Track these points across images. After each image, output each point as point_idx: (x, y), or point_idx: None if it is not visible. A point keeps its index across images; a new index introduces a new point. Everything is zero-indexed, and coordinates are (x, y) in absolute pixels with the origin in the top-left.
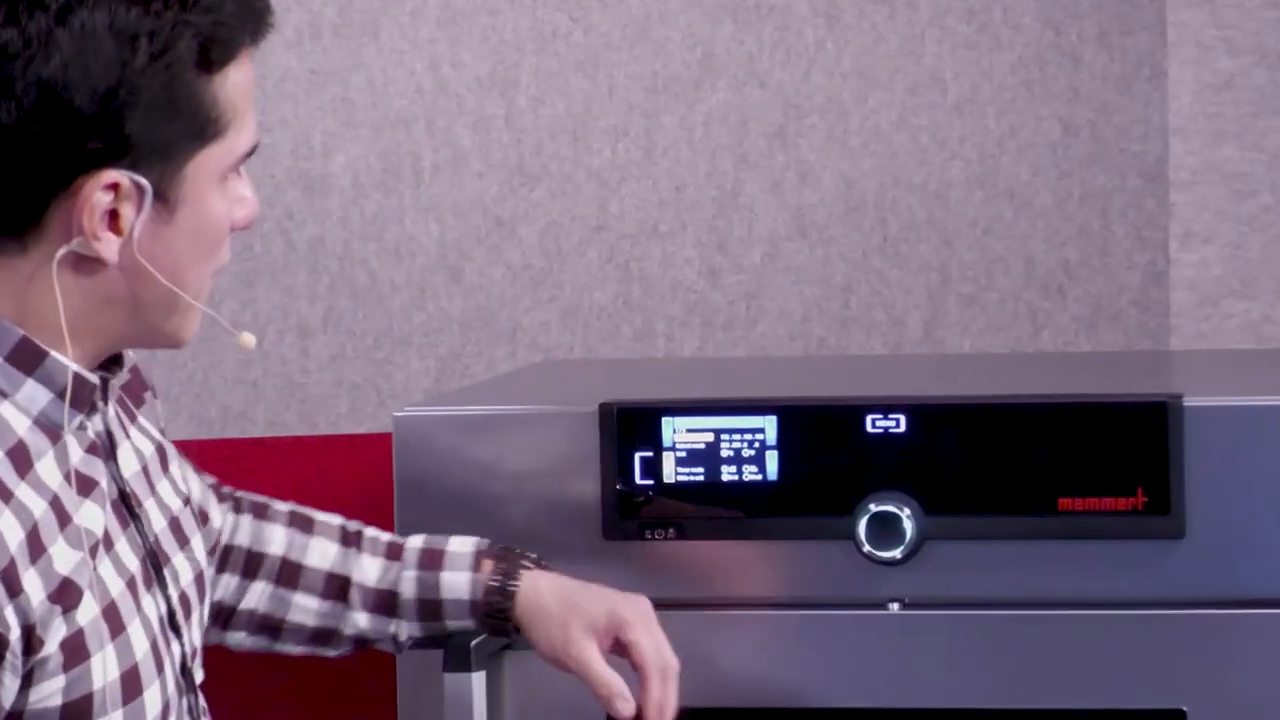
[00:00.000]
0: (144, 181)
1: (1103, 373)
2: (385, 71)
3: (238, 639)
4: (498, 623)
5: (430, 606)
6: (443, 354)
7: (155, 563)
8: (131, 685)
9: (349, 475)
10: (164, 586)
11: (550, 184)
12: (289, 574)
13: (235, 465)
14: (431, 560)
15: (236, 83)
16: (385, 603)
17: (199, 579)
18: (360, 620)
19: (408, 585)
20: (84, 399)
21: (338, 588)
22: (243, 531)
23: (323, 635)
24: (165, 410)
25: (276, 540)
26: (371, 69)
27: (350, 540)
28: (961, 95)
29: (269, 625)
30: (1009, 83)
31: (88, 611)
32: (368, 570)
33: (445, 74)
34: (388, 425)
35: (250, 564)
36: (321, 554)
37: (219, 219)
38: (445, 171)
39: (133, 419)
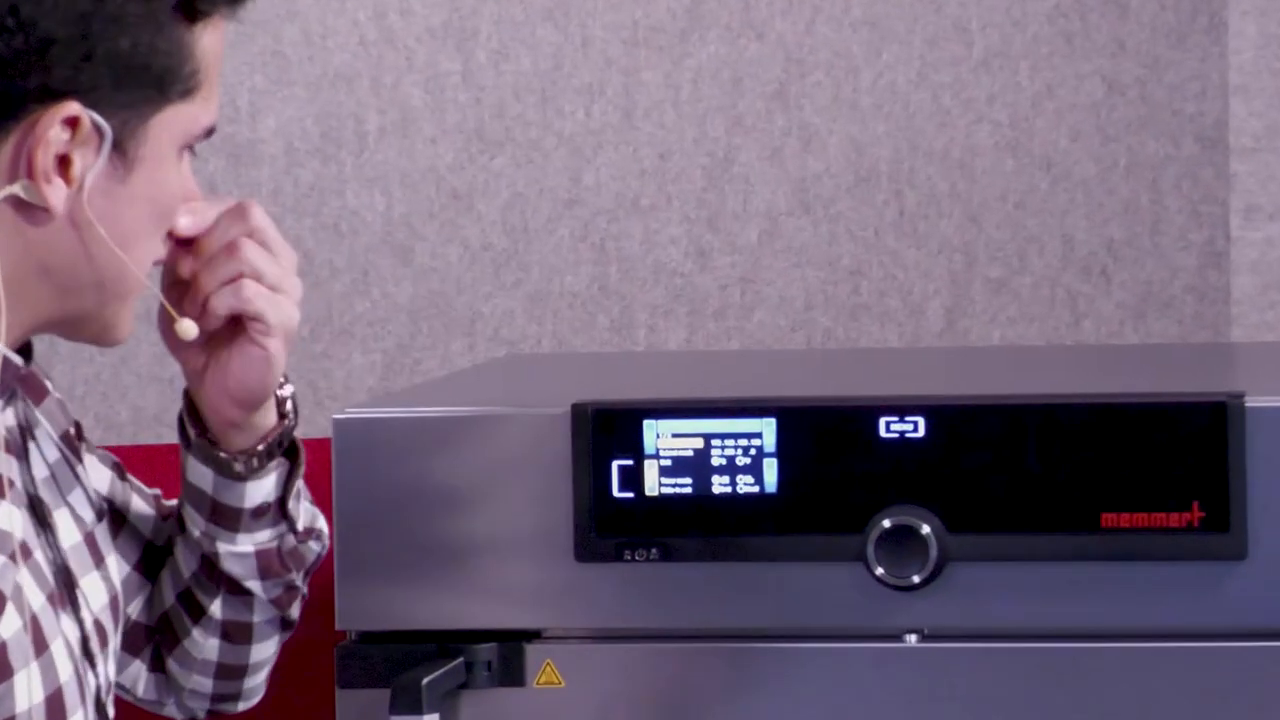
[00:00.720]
0: (104, 125)
1: (1153, 368)
2: (323, 21)
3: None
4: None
5: (182, 475)
6: (389, 347)
7: (68, 581)
8: (56, 711)
9: None
10: (76, 609)
11: (514, 151)
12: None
13: (149, 476)
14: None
15: (211, 46)
16: (179, 516)
17: (114, 604)
18: (181, 554)
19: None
20: (6, 385)
21: (169, 545)
22: None
23: (186, 600)
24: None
25: None
26: (307, 18)
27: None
28: (989, 49)
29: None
30: (1045, 34)
31: (11, 623)
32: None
33: (393, 24)
34: (326, 429)
35: None
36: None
37: (174, 193)
38: (393, 137)
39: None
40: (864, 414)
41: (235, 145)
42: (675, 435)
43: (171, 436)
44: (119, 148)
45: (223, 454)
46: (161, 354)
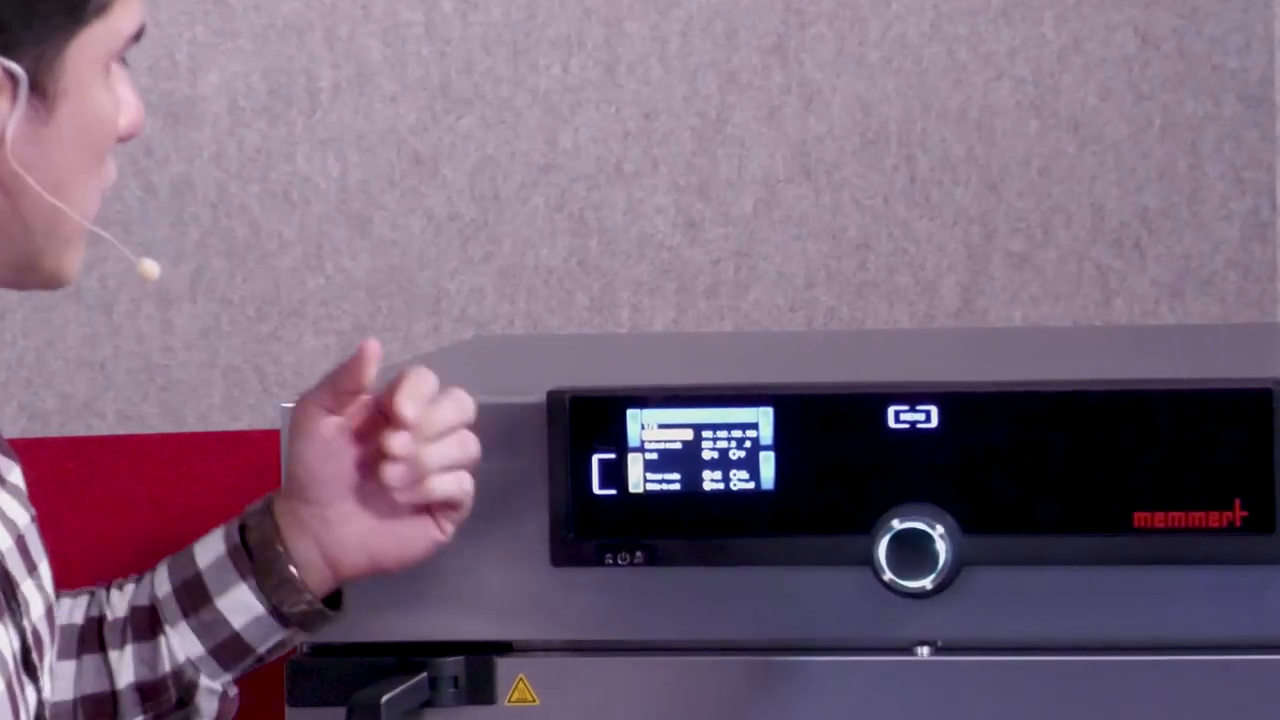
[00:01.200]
0: (18, 70)
1: (1191, 351)
2: None
3: None
4: (269, 546)
5: (191, 587)
6: (345, 328)
7: (5, 586)
8: None
9: (223, 484)
10: (15, 617)
11: (483, 110)
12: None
13: (77, 472)
14: (180, 553)
15: None
16: (145, 619)
17: (49, 614)
18: (127, 661)
19: (163, 582)
20: None
21: (91, 636)
22: None
23: (97, 705)
24: None
25: None
26: None
27: (98, 588)
28: None
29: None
30: None
31: None
32: (116, 602)
33: None
34: (274, 420)
35: None
36: (70, 608)
37: (106, 117)
38: (348, 94)
39: None
40: (871, 402)
41: (173, 104)
42: (662, 426)
43: (103, 427)
44: (37, 89)
45: (315, 601)
46: (91, 336)
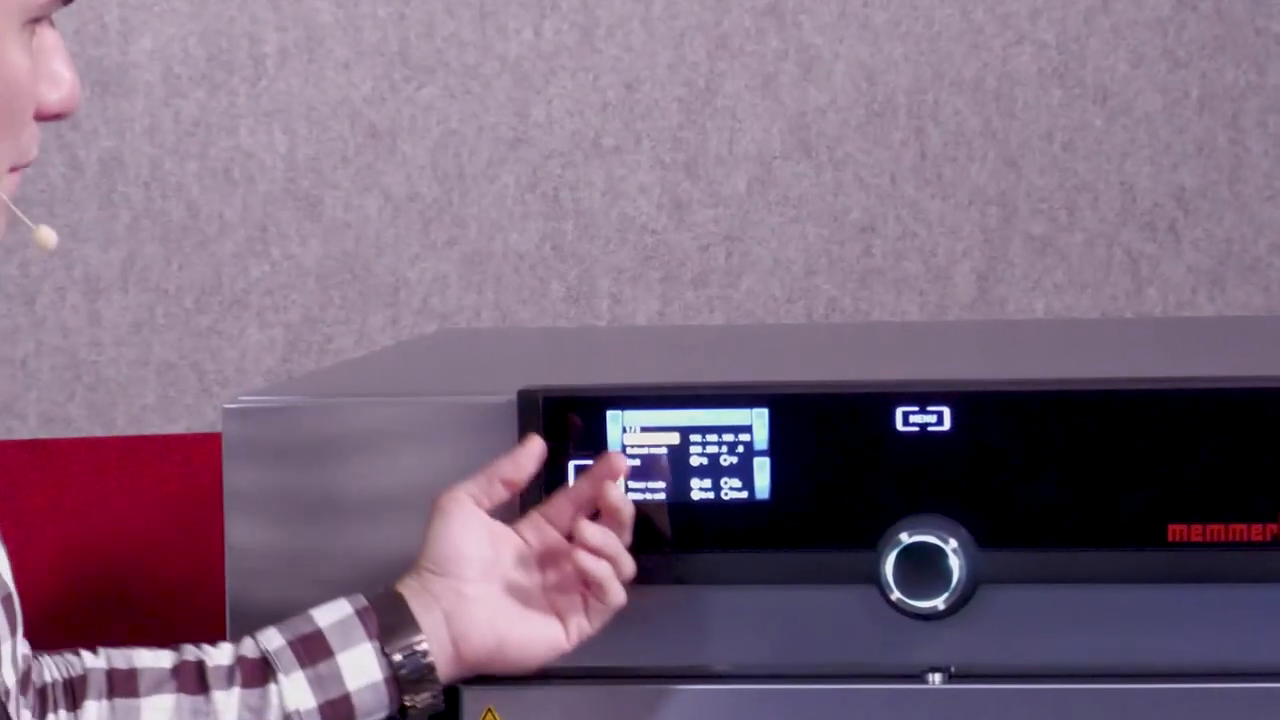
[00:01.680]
0: None
1: (1232, 346)
2: None
3: None
4: (395, 615)
5: (310, 642)
6: (293, 320)
7: None
8: None
9: (157, 493)
10: None
11: (447, 79)
12: (123, 682)
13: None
14: (287, 620)
15: None
16: (254, 667)
17: (6, 602)
18: (232, 703)
19: (272, 638)
20: None
21: (190, 677)
22: (49, 669)
23: None
24: None
25: (90, 658)
26: None
27: (178, 645)
28: None
29: None
30: None
31: None
32: (215, 654)
33: None
34: (214, 423)
35: (73, 692)
36: (154, 656)
37: (18, 79)
38: (296, 61)
39: None
40: (877, 403)
41: (102, 71)
42: (645, 429)
43: (24, 431)
44: None
45: (433, 670)
46: (11, 329)
